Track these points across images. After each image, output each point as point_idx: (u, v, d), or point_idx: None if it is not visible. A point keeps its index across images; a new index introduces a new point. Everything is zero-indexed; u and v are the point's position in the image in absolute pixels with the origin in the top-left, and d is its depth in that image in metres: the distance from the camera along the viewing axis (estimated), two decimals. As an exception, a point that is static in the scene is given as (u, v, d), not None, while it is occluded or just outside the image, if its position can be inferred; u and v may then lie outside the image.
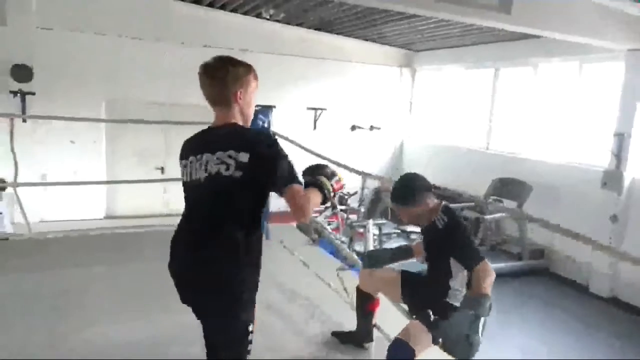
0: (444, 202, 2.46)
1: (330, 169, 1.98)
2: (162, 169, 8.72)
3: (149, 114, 8.25)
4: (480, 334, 2.19)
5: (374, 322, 2.84)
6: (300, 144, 3.93)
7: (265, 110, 4.24)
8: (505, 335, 4.82)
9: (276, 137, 1.87)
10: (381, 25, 8.23)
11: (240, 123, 1.89)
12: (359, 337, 2.85)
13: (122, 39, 7.96)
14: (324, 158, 3.65)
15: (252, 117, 1.95)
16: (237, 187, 1.75)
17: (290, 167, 1.77)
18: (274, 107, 4.46)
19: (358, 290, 2.81)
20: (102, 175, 8.17)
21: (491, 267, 2.28)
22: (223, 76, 1.84)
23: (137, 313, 3.09)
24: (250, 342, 1.82)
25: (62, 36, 7.56)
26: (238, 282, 1.75)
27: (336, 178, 1.95)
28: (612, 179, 6.19)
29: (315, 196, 1.84)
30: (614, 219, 6.20)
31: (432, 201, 2.44)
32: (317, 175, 1.93)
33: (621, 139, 6.13)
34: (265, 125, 4.30)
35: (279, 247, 4.43)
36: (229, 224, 1.75)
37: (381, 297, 2.78)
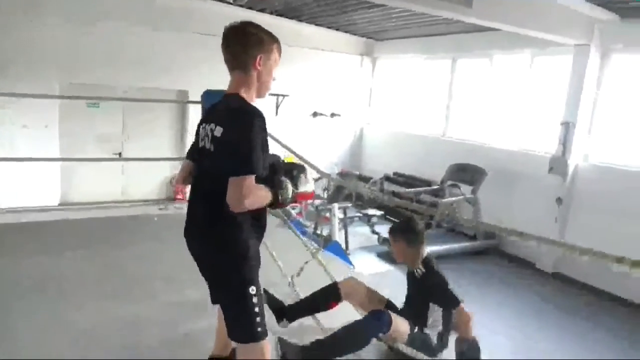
0: (426, 255, 2.70)
1: (304, 178, 1.90)
2: (120, 154, 8.52)
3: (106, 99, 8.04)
4: None
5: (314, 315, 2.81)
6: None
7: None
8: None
9: (261, 120, 1.73)
10: (345, 14, 8.35)
11: (254, 93, 1.84)
12: (288, 314, 2.73)
13: (76, 22, 7.62)
14: (288, 148, 3.75)
15: (270, 89, 1.90)
16: (212, 161, 1.77)
17: (249, 154, 1.66)
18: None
19: (334, 285, 2.82)
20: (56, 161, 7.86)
21: (467, 312, 2.51)
22: (246, 39, 1.79)
23: (117, 296, 3.13)
24: (257, 305, 1.74)
25: (13, 20, 7.16)
26: (224, 247, 1.76)
27: (304, 189, 1.88)
28: (558, 164, 6.67)
29: (261, 197, 1.74)
30: (559, 201, 6.70)
31: (424, 251, 2.71)
32: (287, 176, 1.85)
33: (567, 128, 6.60)
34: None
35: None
36: (214, 193, 1.72)
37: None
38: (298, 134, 8.62)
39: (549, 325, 5.38)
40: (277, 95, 9.34)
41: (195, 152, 1.94)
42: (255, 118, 1.71)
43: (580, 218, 6.52)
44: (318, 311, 2.79)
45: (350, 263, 4.41)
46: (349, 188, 7.20)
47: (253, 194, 1.66)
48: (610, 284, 6.06)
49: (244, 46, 1.79)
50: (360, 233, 7.79)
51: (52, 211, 7.21)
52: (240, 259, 1.75)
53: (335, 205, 6.71)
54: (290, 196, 1.80)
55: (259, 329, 1.74)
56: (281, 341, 2.39)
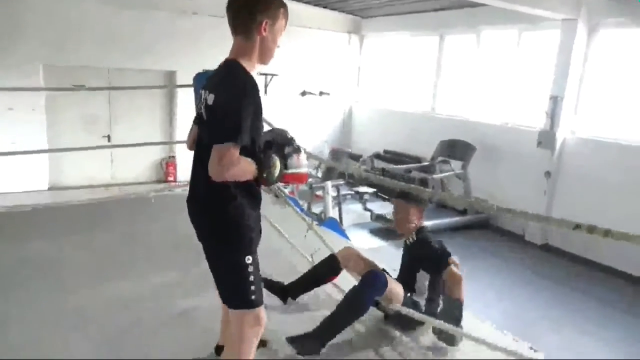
0: (423, 225, 2.77)
1: (296, 159, 1.81)
2: (108, 137, 8.42)
3: (93, 79, 7.91)
4: None
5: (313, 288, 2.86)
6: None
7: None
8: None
9: (253, 90, 1.68)
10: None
11: (255, 60, 1.79)
12: (291, 292, 2.80)
13: (61, 1, 7.44)
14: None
15: (273, 56, 1.83)
16: (205, 129, 1.76)
17: (235, 123, 1.62)
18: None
19: (332, 256, 2.87)
20: (43, 144, 7.71)
21: (458, 272, 2.56)
22: (253, 1, 1.73)
23: (111, 277, 3.15)
24: (252, 274, 1.75)
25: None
26: (219, 217, 1.76)
27: (295, 171, 1.80)
28: (546, 138, 6.78)
29: (244, 170, 1.69)
30: (547, 175, 6.84)
31: (422, 219, 2.75)
32: (279, 154, 1.79)
33: (555, 102, 6.69)
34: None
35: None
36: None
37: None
38: (287, 113, 8.58)
39: (538, 295, 5.55)
40: (266, 74, 9.27)
41: (196, 118, 1.92)
42: (246, 87, 1.66)
43: (568, 191, 6.67)
44: (320, 284, 2.85)
45: (347, 237, 4.48)
46: (339, 168, 7.25)
47: (234, 164, 1.62)
48: (598, 255, 6.25)
49: (250, 9, 1.72)
50: (353, 210, 7.87)
51: (42, 195, 7.14)
52: (235, 228, 1.75)
53: (329, 183, 6.76)
54: (276, 176, 1.74)
55: (253, 297, 1.76)
56: (290, 340, 2.39)
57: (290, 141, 1.85)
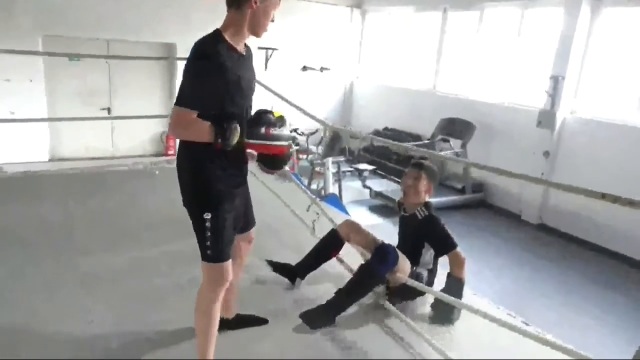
0: (428, 199, 2.78)
1: (268, 131, 1.83)
2: (108, 110, 8.40)
3: (93, 51, 7.84)
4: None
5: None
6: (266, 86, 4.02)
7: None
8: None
9: (209, 57, 1.72)
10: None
11: (245, 32, 1.83)
12: (299, 272, 2.84)
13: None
14: (282, 97, 3.80)
15: (262, 31, 1.86)
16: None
17: (186, 88, 1.73)
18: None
19: (333, 231, 2.91)
20: (42, 115, 7.69)
21: (462, 254, 2.65)
22: None
23: (120, 244, 3.24)
24: (210, 230, 1.85)
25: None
26: (186, 177, 1.89)
27: (260, 142, 1.83)
28: (546, 118, 6.80)
29: (197, 131, 1.76)
30: (546, 154, 6.88)
31: (430, 194, 2.76)
32: (254, 126, 1.83)
33: (556, 81, 6.68)
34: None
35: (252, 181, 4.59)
36: None
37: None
38: (288, 89, 8.46)
39: (534, 274, 5.66)
40: (267, 49, 9.19)
41: None
42: (202, 55, 1.73)
43: (566, 171, 6.72)
44: (325, 260, 2.91)
45: (348, 213, 4.54)
46: (344, 136, 7.19)
47: (181, 126, 1.76)
48: (592, 235, 6.35)
49: None
50: (352, 187, 7.93)
51: (42, 166, 7.15)
52: (195, 186, 1.87)
53: (329, 160, 6.79)
54: (232, 142, 1.77)
55: (209, 252, 1.88)
56: (303, 316, 2.45)
57: (262, 115, 1.89)
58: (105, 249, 3.15)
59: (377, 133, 9.16)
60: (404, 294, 2.71)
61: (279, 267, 2.87)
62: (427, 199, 2.78)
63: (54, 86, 7.89)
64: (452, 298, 2.40)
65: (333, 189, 6.86)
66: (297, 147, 8.10)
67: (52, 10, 7.38)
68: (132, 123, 7.98)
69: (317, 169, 7.26)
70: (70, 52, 7.38)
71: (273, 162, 1.98)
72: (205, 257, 1.89)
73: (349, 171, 7.88)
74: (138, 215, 3.74)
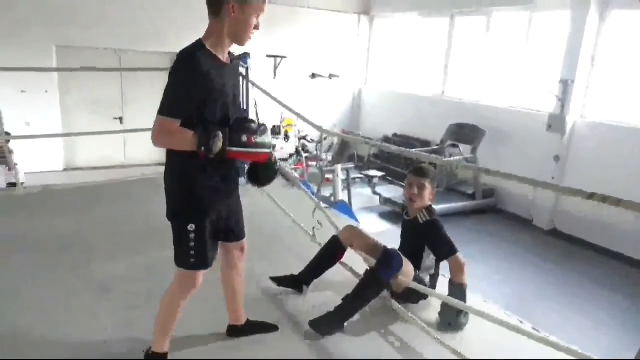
0: (430, 203, 2.80)
1: (243, 138, 1.81)
2: (120, 119, 8.52)
3: (105, 61, 7.99)
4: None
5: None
6: (268, 93, 4.07)
7: (243, 57, 4.30)
8: (466, 266, 5.37)
9: (189, 66, 1.74)
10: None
11: (226, 41, 1.82)
12: (303, 280, 2.87)
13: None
14: (289, 108, 3.84)
15: (245, 39, 1.84)
16: None
17: (167, 97, 1.74)
18: (249, 54, 4.52)
19: (334, 238, 2.91)
20: (57, 126, 7.86)
21: (462, 259, 2.66)
22: None
23: (135, 249, 3.31)
24: (193, 240, 1.89)
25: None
26: (171, 188, 1.92)
27: (241, 149, 1.81)
28: (556, 122, 6.77)
29: (177, 140, 1.79)
30: (556, 159, 6.85)
31: (432, 199, 2.79)
32: (235, 134, 1.80)
33: (565, 85, 6.66)
34: (242, 71, 4.35)
35: (258, 192, 4.63)
36: None
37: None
38: (297, 96, 8.61)
39: (545, 280, 5.63)
40: (275, 57, 9.27)
41: None
42: (182, 64, 1.75)
43: (577, 175, 6.67)
44: (329, 267, 2.92)
45: (357, 220, 4.56)
46: (353, 143, 7.20)
47: (166, 135, 1.76)
48: (606, 240, 6.30)
49: None
50: (361, 194, 7.95)
51: (57, 175, 7.30)
52: (180, 197, 1.89)
53: (339, 167, 6.82)
54: (215, 151, 1.75)
55: (192, 260, 1.92)
56: (312, 324, 2.47)
57: (243, 123, 1.89)
58: (118, 256, 3.22)
59: (386, 139, 9.20)
60: (407, 298, 2.73)
61: (283, 281, 2.89)
62: (430, 203, 2.80)
63: (68, 96, 8.04)
64: (457, 301, 2.41)
65: (342, 195, 6.89)
66: (306, 155, 8.16)
67: (65, 22, 7.54)
68: (144, 133, 8.07)
69: (328, 175, 7.30)
70: (84, 64, 7.52)
71: (260, 176, 2.01)
72: (187, 265, 1.93)
73: (358, 178, 7.91)
74: (149, 223, 3.79)
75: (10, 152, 5.99)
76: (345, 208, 4.88)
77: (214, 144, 1.74)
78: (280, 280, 2.88)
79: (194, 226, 1.88)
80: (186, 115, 1.76)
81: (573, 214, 6.70)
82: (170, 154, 1.90)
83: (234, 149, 1.80)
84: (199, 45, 1.80)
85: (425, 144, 8.73)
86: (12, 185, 5.65)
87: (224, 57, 1.86)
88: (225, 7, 1.75)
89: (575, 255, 6.33)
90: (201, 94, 1.77)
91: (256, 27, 1.85)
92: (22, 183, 5.33)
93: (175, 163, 1.89)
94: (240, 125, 1.85)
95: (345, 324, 2.52)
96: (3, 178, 6.03)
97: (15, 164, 6.02)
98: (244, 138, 1.81)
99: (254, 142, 1.83)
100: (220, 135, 1.76)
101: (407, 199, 2.81)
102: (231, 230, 2.11)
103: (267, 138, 1.90)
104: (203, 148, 1.74)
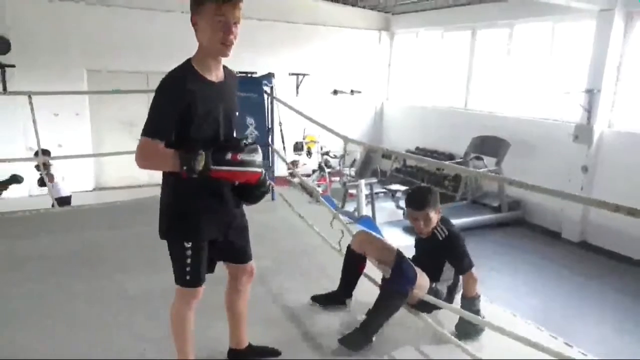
0: (441, 215, 2.75)
1: (228, 157, 1.75)
2: (148, 139, 8.74)
3: (133, 83, 8.25)
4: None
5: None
6: (296, 109, 4.13)
7: (268, 77, 4.41)
8: (492, 278, 5.29)
9: (171, 86, 1.73)
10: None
11: (207, 55, 1.79)
12: (344, 294, 2.89)
13: (102, 6, 7.81)
14: (312, 120, 3.89)
15: (220, 48, 1.74)
16: None
17: (149, 118, 1.72)
18: (273, 74, 4.62)
19: (348, 248, 2.91)
20: (87, 147, 8.13)
21: (475, 273, 2.65)
22: (190, 2, 1.76)
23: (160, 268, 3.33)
24: (189, 257, 1.89)
25: (39, 5, 7.36)
26: (166, 208, 1.90)
27: (225, 168, 1.75)
28: (583, 132, 6.66)
29: (160, 161, 1.76)
30: (584, 169, 6.71)
31: (439, 212, 2.74)
32: (219, 151, 1.75)
33: (591, 95, 6.56)
34: (267, 90, 4.44)
35: (283, 205, 4.69)
36: None
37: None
38: (319, 112, 8.62)
39: (574, 292, 5.49)
40: (297, 74, 9.42)
41: None
42: (165, 84, 1.74)
43: (605, 186, 6.53)
44: (357, 278, 2.94)
45: (382, 235, 4.54)
46: (375, 157, 7.18)
47: (148, 156, 1.72)
48: (636, 251, 6.11)
49: (190, 9, 1.77)
50: (385, 208, 7.93)
51: (88, 195, 7.52)
52: (175, 217, 1.88)
53: (362, 182, 6.84)
54: (197, 170, 1.70)
55: (188, 277, 1.92)
56: (342, 341, 2.50)
57: (229, 140, 1.85)
58: (142, 270, 3.30)
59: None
60: (421, 308, 2.71)
61: (324, 299, 2.91)
62: (440, 215, 2.76)
63: (98, 118, 8.32)
64: (473, 315, 2.44)
65: (366, 210, 6.89)
66: (329, 170, 8.21)
67: (96, 47, 7.86)
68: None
69: (352, 190, 7.32)
70: (114, 87, 7.78)
71: (246, 193, 1.95)
72: (183, 283, 1.95)
73: (382, 192, 7.90)
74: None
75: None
76: (370, 223, 4.85)
77: (196, 164, 1.69)
78: (321, 300, 2.90)
79: (190, 243, 1.89)
80: (169, 136, 1.73)
81: (604, 225, 6.53)
82: (165, 174, 1.88)
83: (218, 167, 1.74)
84: (185, 65, 1.79)
85: (448, 157, 8.68)
86: (65, 200, 6.02)
87: (213, 75, 1.82)
88: (193, 25, 1.76)
89: (606, 268, 6.16)
90: (183, 114, 1.72)
91: (226, 30, 1.72)
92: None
93: (170, 181, 1.86)
94: (224, 143, 1.82)
95: (374, 338, 2.53)
96: (57, 190, 6.18)
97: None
98: (228, 156, 1.75)
99: (240, 160, 1.77)
100: (203, 154, 1.71)
101: (417, 231, 2.78)
102: (234, 250, 2.09)
103: (258, 157, 1.82)
104: (185, 168, 1.70)
